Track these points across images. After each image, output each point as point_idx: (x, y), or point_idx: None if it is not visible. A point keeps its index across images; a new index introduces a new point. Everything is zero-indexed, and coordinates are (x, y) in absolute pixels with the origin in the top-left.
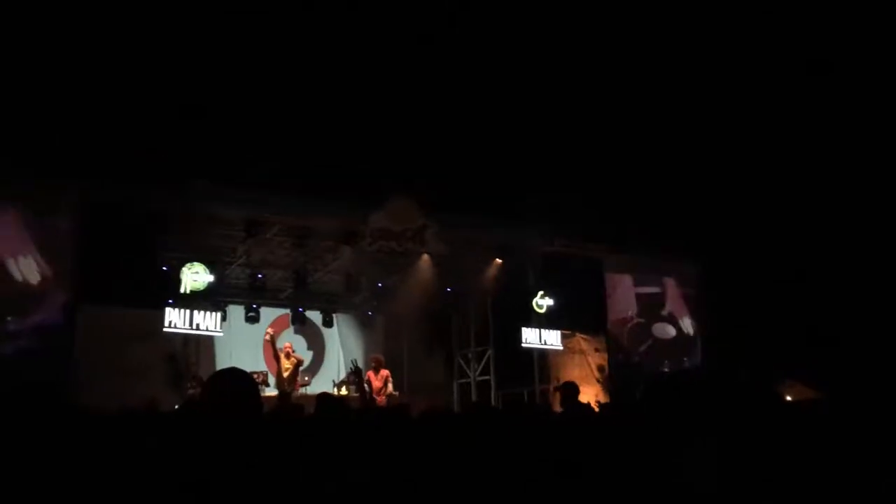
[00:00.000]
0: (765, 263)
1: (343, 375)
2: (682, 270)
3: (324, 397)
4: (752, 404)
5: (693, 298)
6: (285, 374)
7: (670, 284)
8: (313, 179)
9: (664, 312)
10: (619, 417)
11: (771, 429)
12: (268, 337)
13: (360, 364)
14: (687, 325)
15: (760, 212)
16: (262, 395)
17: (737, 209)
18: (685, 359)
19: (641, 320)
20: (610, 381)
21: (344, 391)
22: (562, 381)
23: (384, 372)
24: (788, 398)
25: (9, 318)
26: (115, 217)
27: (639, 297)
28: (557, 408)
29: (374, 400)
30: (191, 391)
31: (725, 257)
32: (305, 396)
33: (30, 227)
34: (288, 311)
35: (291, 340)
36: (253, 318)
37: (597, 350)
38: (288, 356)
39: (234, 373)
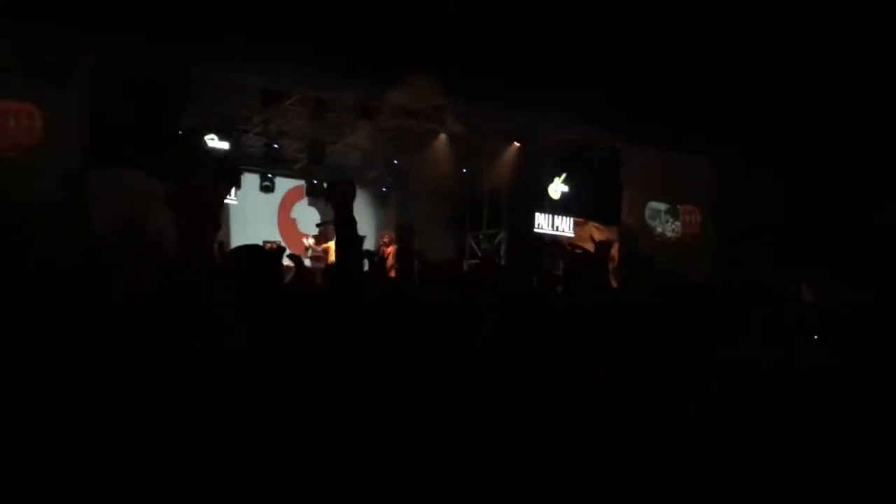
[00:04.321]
0: (784, 162)
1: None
2: (699, 166)
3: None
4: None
5: (708, 196)
6: None
7: (686, 180)
8: (332, 51)
9: (678, 207)
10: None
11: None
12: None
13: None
14: (697, 221)
15: (782, 110)
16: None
17: (761, 105)
18: (695, 256)
19: (653, 213)
20: (619, 270)
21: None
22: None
23: (392, 248)
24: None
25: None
26: (129, 81)
27: (653, 190)
28: None
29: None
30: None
31: (743, 154)
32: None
33: (42, 88)
34: (303, 182)
35: (305, 212)
36: (268, 188)
37: (609, 239)
38: None
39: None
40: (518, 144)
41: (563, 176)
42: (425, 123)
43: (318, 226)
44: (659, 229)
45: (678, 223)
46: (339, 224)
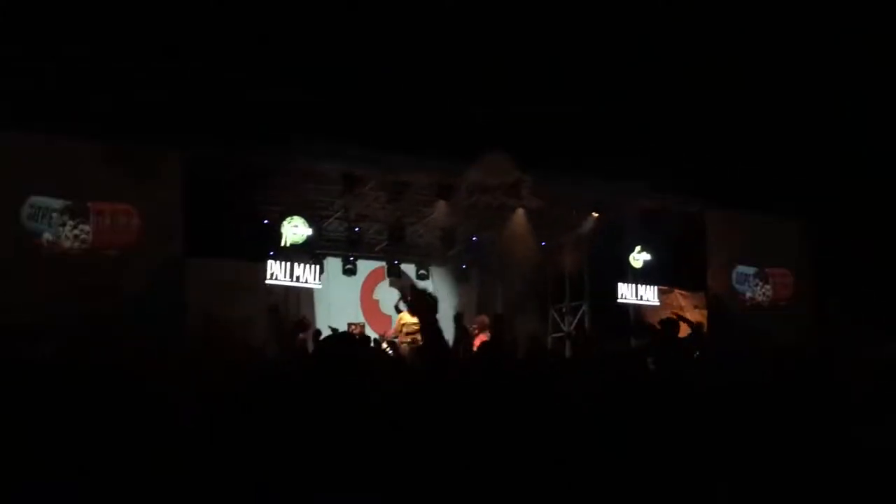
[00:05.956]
0: (878, 224)
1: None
2: (784, 228)
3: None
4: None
5: (796, 260)
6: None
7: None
8: (409, 134)
9: (765, 271)
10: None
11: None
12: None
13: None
14: (787, 285)
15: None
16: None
17: (849, 166)
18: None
19: (740, 280)
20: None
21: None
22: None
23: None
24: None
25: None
26: (219, 172)
27: (740, 256)
28: None
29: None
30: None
31: (833, 217)
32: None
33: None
34: (384, 263)
35: (386, 293)
36: (350, 271)
37: (696, 307)
38: None
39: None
40: (596, 214)
41: (645, 244)
42: (502, 199)
43: (396, 307)
44: (749, 294)
45: (768, 287)
46: (425, 328)
